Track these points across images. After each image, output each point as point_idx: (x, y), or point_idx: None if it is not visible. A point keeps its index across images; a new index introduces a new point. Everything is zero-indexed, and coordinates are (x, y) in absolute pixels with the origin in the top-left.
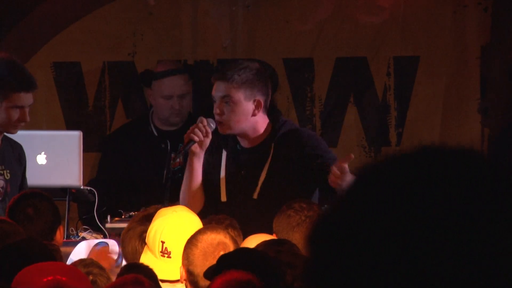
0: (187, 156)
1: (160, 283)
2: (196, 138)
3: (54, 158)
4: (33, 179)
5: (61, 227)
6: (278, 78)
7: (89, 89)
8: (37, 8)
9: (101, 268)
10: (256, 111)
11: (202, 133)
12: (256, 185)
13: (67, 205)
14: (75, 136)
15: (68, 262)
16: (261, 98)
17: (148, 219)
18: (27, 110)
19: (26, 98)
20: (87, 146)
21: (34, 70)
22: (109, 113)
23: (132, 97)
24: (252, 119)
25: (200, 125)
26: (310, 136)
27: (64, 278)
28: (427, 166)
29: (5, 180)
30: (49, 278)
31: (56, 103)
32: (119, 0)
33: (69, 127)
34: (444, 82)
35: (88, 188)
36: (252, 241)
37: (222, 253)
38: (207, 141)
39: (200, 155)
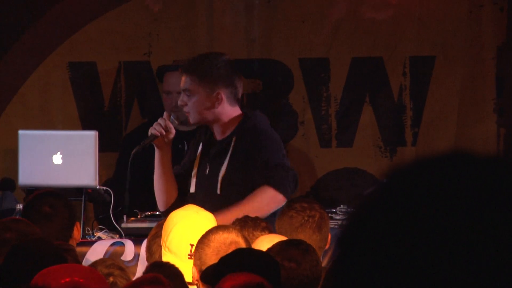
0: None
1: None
2: (157, 133)
3: (70, 158)
4: (49, 179)
5: (77, 224)
6: (294, 77)
7: (105, 89)
8: (53, 8)
9: (121, 269)
10: (217, 104)
11: (163, 128)
12: (217, 180)
13: (82, 205)
14: (91, 136)
15: (84, 262)
16: (223, 91)
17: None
18: None
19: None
20: (103, 146)
21: (50, 70)
22: (124, 112)
23: (148, 97)
24: (215, 111)
25: (160, 120)
26: (262, 133)
27: (81, 280)
28: (459, 173)
29: None
30: (67, 279)
31: (72, 103)
32: (135, 0)
33: (85, 127)
34: (460, 82)
35: (104, 188)
36: (264, 242)
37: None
38: (170, 136)
39: (164, 149)
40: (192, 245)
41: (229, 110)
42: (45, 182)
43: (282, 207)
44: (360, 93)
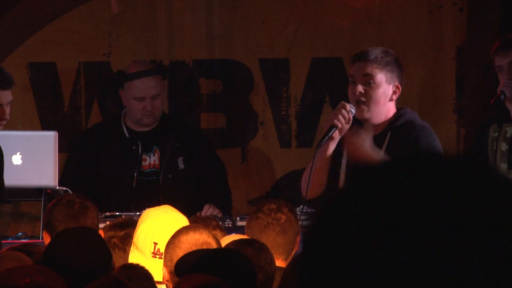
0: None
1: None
2: (339, 125)
3: (29, 158)
4: (9, 179)
5: (101, 231)
6: (254, 78)
7: (65, 90)
8: (12, 9)
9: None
10: (394, 96)
11: (345, 119)
12: None
13: (42, 206)
14: (50, 137)
15: None
16: (399, 84)
17: (118, 226)
18: (6, 108)
19: (3, 96)
20: (63, 147)
21: (10, 71)
22: (84, 113)
23: (108, 97)
24: (389, 104)
25: (344, 111)
26: (422, 127)
27: (41, 279)
28: (421, 172)
29: None
30: (27, 280)
31: (32, 104)
32: (95, 0)
33: (45, 127)
34: (420, 82)
35: (64, 188)
36: (227, 242)
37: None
38: (347, 127)
39: (336, 141)
40: (156, 244)
41: (394, 106)
42: (5, 182)
43: (254, 208)
44: (320, 93)
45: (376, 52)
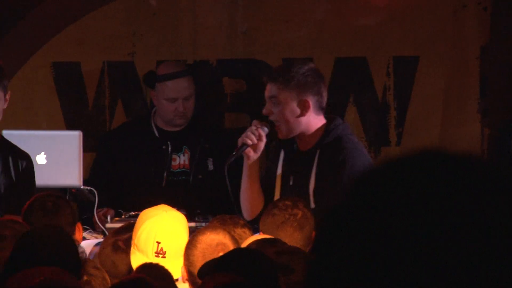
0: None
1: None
2: (249, 142)
3: (54, 158)
4: None
5: (79, 225)
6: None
7: (89, 89)
8: (36, 8)
9: (97, 268)
10: (304, 112)
11: (255, 137)
12: (307, 192)
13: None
14: (75, 136)
15: None
16: (310, 98)
17: (124, 229)
18: None
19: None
20: (87, 146)
21: (34, 70)
22: (108, 113)
23: (132, 97)
24: (302, 120)
25: (253, 128)
26: (350, 149)
27: (55, 277)
28: (427, 170)
29: None
30: (41, 278)
31: (56, 103)
32: (119, 0)
33: (69, 127)
34: (444, 82)
35: (88, 188)
36: (251, 241)
37: (221, 253)
38: (261, 144)
39: (254, 159)
40: (158, 243)
41: (317, 119)
42: None
43: (268, 205)
44: (344, 93)
45: (279, 71)
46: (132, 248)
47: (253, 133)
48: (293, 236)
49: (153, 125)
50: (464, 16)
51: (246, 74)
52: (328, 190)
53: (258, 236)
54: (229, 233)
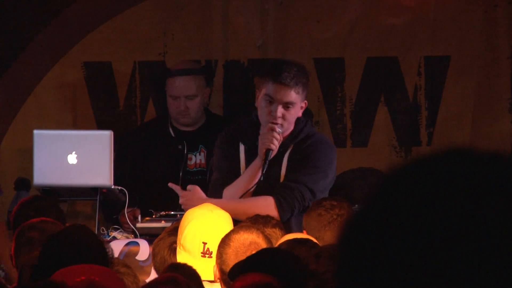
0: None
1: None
2: (274, 147)
3: (84, 157)
4: (64, 179)
5: (67, 224)
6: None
7: (120, 89)
8: (68, 8)
9: (127, 267)
10: (300, 112)
11: (278, 141)
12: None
13: (98, 205)
14: (106, 136)
15: None
16: (305, 100)
17: (177, 230)
18: None
19: None
20: (118, 146)
21: (65, 70)
22: (139, 112)
23: (163, 96)
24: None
25: (276, 134)
26: (319, 144)
27: (97, 278)
28: (456, 169)
29: None
30: (82, 278)
31: (87, 103)
32: (150, 0)
33: (100, 126)
34: (475, 82)
35: (119, 187)
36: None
37: (254, 252)
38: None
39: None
40: (205, 243)
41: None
42: (60, 182)
43: (312, 204)
44: (375, 93)
45: (295, 74)
46: (178, 248)
47: (276, 139)
48: None
49: (169, 125)
50: (496, 15)
51: None
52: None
53: (292, 235)
54: (263, 232)
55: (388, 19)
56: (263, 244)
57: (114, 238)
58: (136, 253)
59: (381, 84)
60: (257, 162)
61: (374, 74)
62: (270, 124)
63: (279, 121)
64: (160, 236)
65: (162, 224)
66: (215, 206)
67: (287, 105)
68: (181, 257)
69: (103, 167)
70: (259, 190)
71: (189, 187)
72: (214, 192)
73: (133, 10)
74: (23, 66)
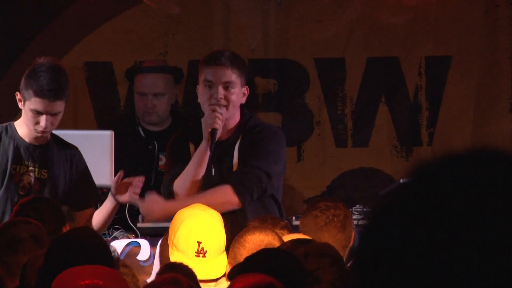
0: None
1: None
2: (218, 127)
3: (85, 157)
4: None
5: (67, 226)
6: (309, 77)
7: (121, 89)
8: (68, 8)
9: (126, 266)
10: (244, 99)
11: (221, 121)
12: None
13: (98, 205)
14: (106, 136)
15: None
16: (247, 86)
17: None
18: (46, 117)
19: (43, 105)
20: None
21: (66, 70)
22: None
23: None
24: (238, 107)
25: (218, 114)
26: (267, 131)
27: (101, 282)
28: (484, 170)
29: (35, 177)
30: (87, 281)
31: (88, 103)
32: (151, 0)
33: (101, 126)
34: (476, 82)
35: None
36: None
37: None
38: (221, 127)
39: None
40: (199, 243)
41: (239, 110)
42: None
43: (307, 206)
44: (376, 93)
45: (229, 56)
46: (170, 249)
47: (219, 118)
48: (337, 237)
49: (138, 125)
50: (496, 16)
51: (277, 74)
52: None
53: (292, 236)
54: (277, 234)
55: (388, 19)
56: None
57: (115, 238)
58: (137, 253)
59: (382, 84)
60: (203, 145)
61: (375, 74)
62: (210, 106)
63: (222, 102)
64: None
65: (163, 224)
66: (206, 206)
67: (226, 86)
68: (174, 257)
69: (104, 167)
70: (214, 184)
71: (146, 195)
72: (165, 189)
73: (134, 11)
74: (24, 66)
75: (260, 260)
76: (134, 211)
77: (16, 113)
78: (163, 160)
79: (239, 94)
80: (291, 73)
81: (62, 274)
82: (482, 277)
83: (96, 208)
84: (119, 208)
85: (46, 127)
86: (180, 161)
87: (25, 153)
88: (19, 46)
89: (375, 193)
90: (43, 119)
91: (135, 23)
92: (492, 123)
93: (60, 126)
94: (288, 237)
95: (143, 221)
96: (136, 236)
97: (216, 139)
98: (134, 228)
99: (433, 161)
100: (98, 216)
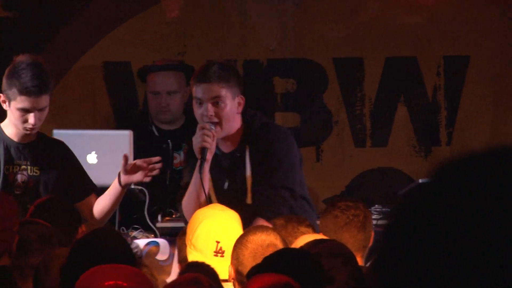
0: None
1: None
2: (208, 145)
3: (104, 157)
4: None
5: (83, 227)
6: (328, 77)
7: (139, 89)
8: (87, 8)
9: (145, 265)
10: (240, 108)
11: (211, 138)
12: (246, 190)
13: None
14: (125, 135)
15: None
16: (241, 95)
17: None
18: (33, 114)
19: (29, 102)
20: None
21: (85, 70)
22: None
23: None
24: (237, 117)
25: (207, 131)
26: (272, 134)
27: (125, 284)
28: (504, 168)
29: (28, 175)
30: (110, 282)
31: (107, 103)
32: (168, 0)
33: (119, 126)
34: (495, 81)
35: (139, 187)
36: (303, 241)
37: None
38: (214, 144)
39: (209, 161)
40: (218, 242)
41: (239, 118)
42: None
43: (326, 206)
44: (394, 92)
45: (216, 70)
46: (188, 248)
47: (207, 135)
48: (357, 237)
49: (152, 124)
50: None
51: (296, 74)
52: (263, 178)
53: (310, 237)
54: (280, 235)
55: (406, 19)
56: (280, 246)
57: (134, 238)
58: (156, 253)
59: (400, 84)
60: (198, 164)
61: (393, 74)
62: (199, 124)
63: (213, 119)
64: (181, 232)
65: (182, 223)
66: (224, 206)
67: (216, 101)
68: (192, 257)
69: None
70: (227, 197)
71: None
72: (178, 200)
73: (152, 10)
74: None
75: (278, 260)
76: (153, 211)
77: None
78: (177, 159)
79: (231, 107)
80: (309, 73)
81: (86, 274)
82: (507, 278)
83: (96, 194)
84: (138, 207)
85: (35, 124)
86: (191, 171)
87: (16, 152)
88: (38, 46)
89: (394, 193)
90: (31, 116)
91: (154, 23)
92: (510, 122)
93: (79, 126)
94: (304, 238)
95: (162, 220)
96: (155, 236)
97: (210, 156)
98: (153, 227)
99: (452, 161)
100: (104, 202)
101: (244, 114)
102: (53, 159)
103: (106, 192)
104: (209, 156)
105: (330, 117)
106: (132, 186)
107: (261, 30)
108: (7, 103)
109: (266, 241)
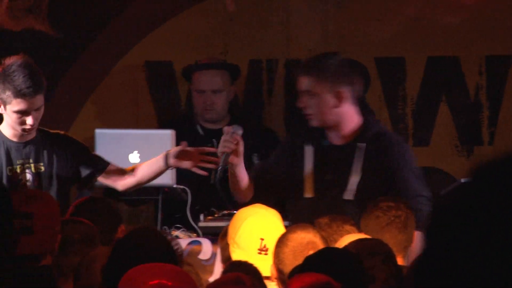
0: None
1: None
2: (228, 150)
3: (146, 157)
4: None
5: (122, 227)
6: (370, 77)
7: (181, 88)
8: (129, 7)
9: (189, 264)
10: (339, 103)
11: (232, 143)
12: (346, 185)
13: (160, 204)
14: (167, 135)
15: None
16: (344, 90)
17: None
18: (31, 115)
19: (25, 104)
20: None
21: (127, 69)
22: None
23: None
24: (337, 111)
25: (226, 136)
26: (401, 144)
27: (170, 283)
28: None
29: (33, 173)
30: (155, 281)
31: (149, 102)
32: None
33: (162, 126)
34: None
35: (181, 187)
36: (347, 240)
37: (311, 252)
38: (241, 148)
39: (239, 164)
40: (262, 239)
41: (352, 111)
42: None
43: (368, 206)
44: (436, 92)
45: (312, 64)
46: (231, 247)
47: (228, 140)
48: (398, 238)
49: (197, 123)
50: None
51: None
52: (378, 185)
53: (354, 236)
54: (319, 233)
55: (448, 18)
56: (320, 244)
57: (177, 237)
58: (198, 252)
59: (442, 83)
60: (233, 171)
61: (435, 74)
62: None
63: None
64: (223, 231)
65: (224, 223)
66: (265, 205)
67: (306, 94)
68: (236, 255)
69: None
70: (326, 186)
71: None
72: (252, 171)
73: (194, 10)
74: (85, 65)
75: (319, 260)
76: (196, 210)
77: (78, 112)
78: (215, 176)
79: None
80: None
81: (128, 274)
82: None
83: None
84: (180, 206)
85: (33, 124)
86: (275, 156)
87: (17, 152)
88: (80, 46)
89: (436, 192)
90: (29, 118)
91: (195, 22)
92: None
93: (121, 126)
94: (349, 237)
95: (204, 220)
96: (198, 235)
97: (236, 160)
98: (196, 227)
99: (493, 160)
100: (147, 168)
101: (365, 117)
102: (56, 150)
103: (152, 161)
104: (231, 160)
105: (372, 114)
106: (175, 186)
107: (304, 29)
108: (2, 106)
109: (306, 239)
